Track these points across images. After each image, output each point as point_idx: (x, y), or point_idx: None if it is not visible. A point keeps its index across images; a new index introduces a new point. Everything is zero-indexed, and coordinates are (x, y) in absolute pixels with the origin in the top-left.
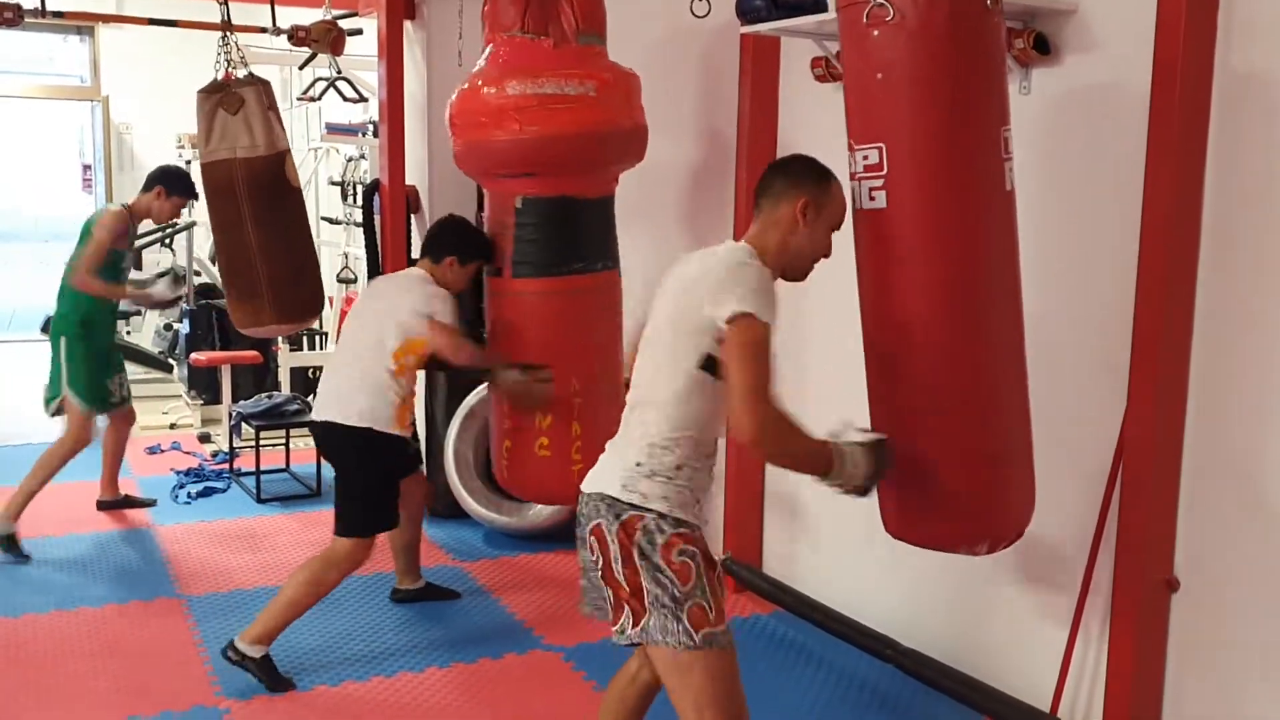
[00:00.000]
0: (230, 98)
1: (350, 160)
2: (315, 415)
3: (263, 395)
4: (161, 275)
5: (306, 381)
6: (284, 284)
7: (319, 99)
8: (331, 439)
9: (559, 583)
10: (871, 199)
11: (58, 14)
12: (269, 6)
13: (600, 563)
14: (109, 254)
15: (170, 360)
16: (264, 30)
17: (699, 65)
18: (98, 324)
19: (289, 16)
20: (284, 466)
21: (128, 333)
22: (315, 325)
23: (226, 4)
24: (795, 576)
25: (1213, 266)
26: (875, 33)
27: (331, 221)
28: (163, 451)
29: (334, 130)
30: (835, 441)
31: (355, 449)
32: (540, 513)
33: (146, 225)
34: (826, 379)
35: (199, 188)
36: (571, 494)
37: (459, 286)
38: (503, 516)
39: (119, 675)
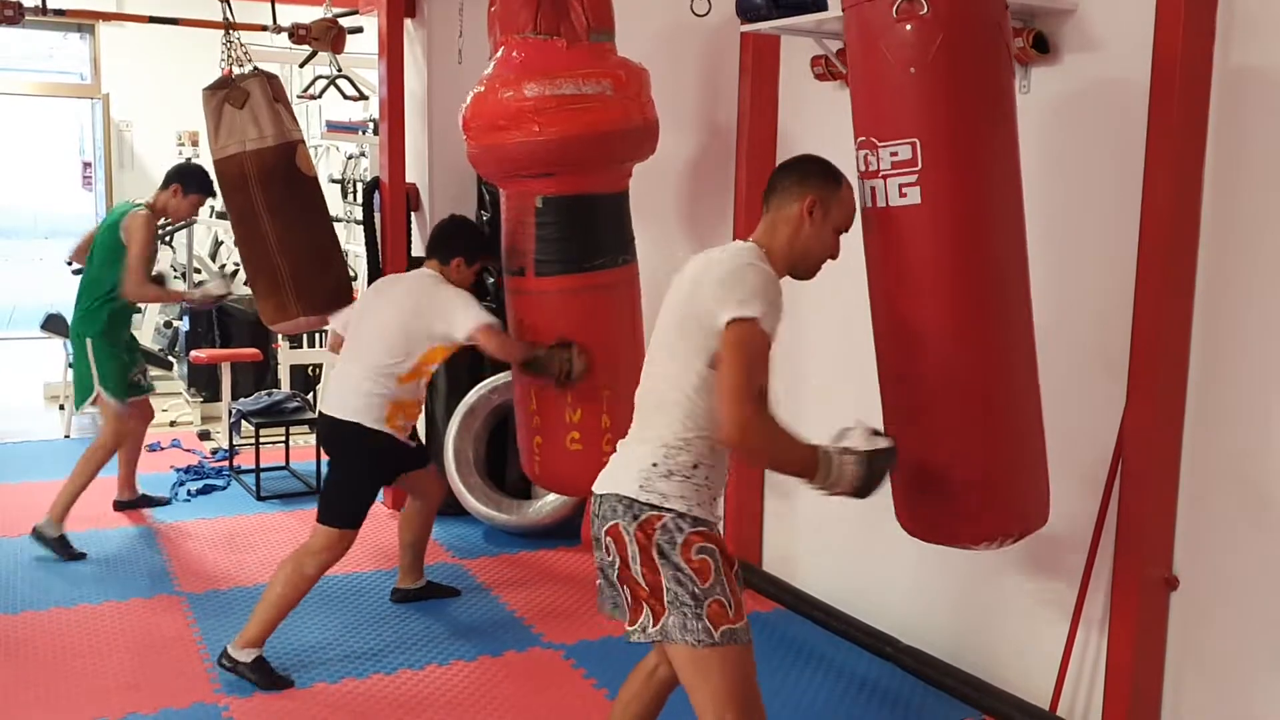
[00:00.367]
0: (235, 92)
1: (350, 158)
2: (320, 409)
3: (262, 392)
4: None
5: (306, 379)
6: (306, 275)
7: (319, 97)
8: (331, 433)
9: (559, 580)
10: (902, 195)
11: (58, 12)
12: (269, 4)
13: (617, 562)
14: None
15: (170, 357)
16: (264, 28)
17: (699, 63)
18: (119, 321)
19: (289, 14)
20: (284, 464)
21: None
22: None
23: (227, 2)
24: (795, 575)
25: (1212, 264)
26: (908, 27)
27: (332, 219)
28: (163, 449)
29: (334, 128)
30: (824, 448)
31: (346, 441)
32: (540, 510)
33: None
34: (826, 379)
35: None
36: None
37: (465, 285)
38: (503, 514)
39: (119, 673)
